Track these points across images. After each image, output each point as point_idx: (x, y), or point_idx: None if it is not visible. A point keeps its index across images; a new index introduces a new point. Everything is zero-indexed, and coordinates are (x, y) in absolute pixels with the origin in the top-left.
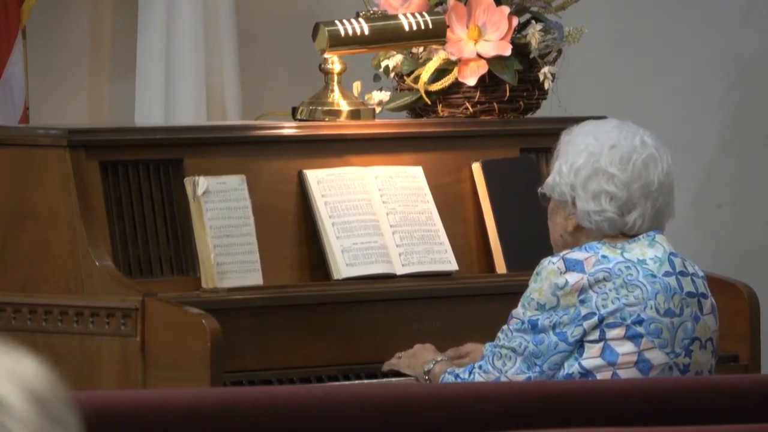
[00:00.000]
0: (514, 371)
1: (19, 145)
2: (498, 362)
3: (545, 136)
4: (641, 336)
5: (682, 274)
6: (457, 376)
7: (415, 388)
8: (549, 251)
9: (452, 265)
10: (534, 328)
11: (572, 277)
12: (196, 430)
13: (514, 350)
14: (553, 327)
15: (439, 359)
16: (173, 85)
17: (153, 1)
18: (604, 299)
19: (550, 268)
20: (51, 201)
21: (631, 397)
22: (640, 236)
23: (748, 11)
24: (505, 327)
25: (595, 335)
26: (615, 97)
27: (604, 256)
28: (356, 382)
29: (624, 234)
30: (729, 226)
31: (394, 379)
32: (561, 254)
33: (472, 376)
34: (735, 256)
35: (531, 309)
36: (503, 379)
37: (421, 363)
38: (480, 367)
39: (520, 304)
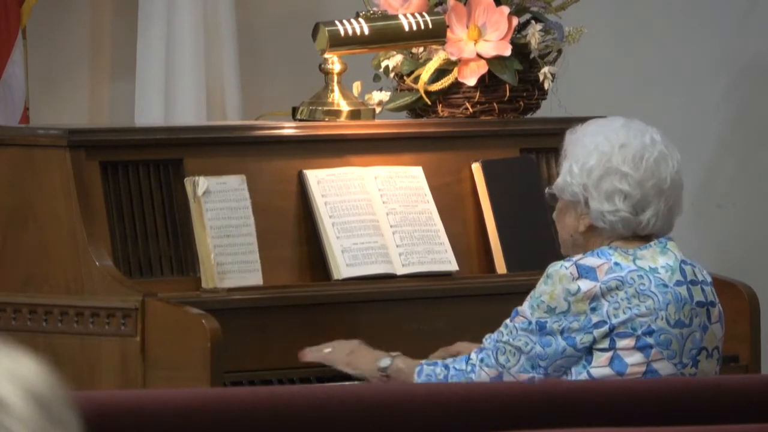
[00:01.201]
0: (518, 369)
1: (19, 145)
2: (501, 358)
3: (545, 136)
4: (651, 347)
5: (693, 283)
6: (447, 366)
7: (415, 389)
8: (549, 251)
9: (452, 265)
10: (542, 329)
11: (585, 284)
12: (196, 430)
13: (519, 349)
14: (562, 332)
15: (394, 354)
16: (173, 85)
17: (153, 1)
18: (615, 308)
19: (562, 272)
20: (51, 201)
21: (632, 397)
22: (652, 243)
23: (748, 11)
24: (509, 323)
25: (605, 344)
26: (615, 97)
27: (616, 264)
28: (356, 382)
29: (637, 234)
30: (729, 226)
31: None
32: (573, 259)
33: (470, 367)
34: (735, 256)
35: (540, 311)
36: (506, 375)
37: (371, 359)
38: (482, 361)
39: (527, 304)
